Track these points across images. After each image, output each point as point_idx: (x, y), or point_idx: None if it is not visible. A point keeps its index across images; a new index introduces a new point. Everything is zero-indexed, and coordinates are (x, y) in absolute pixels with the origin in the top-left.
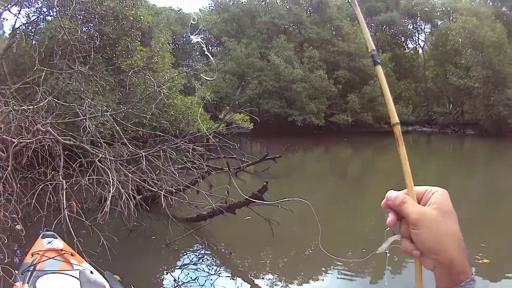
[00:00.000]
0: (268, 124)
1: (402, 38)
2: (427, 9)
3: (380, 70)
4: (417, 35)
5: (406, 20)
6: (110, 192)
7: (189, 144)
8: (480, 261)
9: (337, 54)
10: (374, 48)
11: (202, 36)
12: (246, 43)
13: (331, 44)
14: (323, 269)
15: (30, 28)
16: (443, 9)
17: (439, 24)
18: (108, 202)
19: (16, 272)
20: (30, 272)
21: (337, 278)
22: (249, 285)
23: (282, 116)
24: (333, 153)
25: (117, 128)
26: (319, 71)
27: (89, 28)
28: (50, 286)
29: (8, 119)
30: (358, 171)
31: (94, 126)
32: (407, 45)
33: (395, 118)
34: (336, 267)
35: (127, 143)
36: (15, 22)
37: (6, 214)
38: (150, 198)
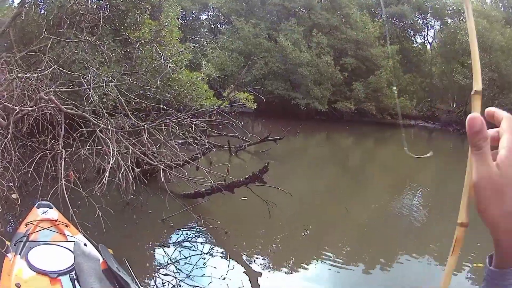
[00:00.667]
0: (271, 105)
1: (411, 32)
2: (438, 6)
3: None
4: (426, 31)
5: (416, 15)
6: (109, 163)
7: (192, 119)
8: (475, 265)
9: (345, 42)
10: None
11: (211, 13)
12: (255, 24)
13: (339, 31)
14: (317, 254)
15: None
16: (454, 8)
17: (449, 22)
18: (107, 174)
19: (9, 242)
20: (23, 243)
21: (330, 264)
22: (242, 266)
23: (286, 99)
24: (334, 140)
25: (121, 99)
26: (326, 56)
27: None
28: (42, 258)
29: (11, 87)
30: (358, 161)
31: (97, 96)
32: (415, 39)
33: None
34: (329, 254)
35: (130, 115)
36: None
37: (3, 182)
38: (149, 172)
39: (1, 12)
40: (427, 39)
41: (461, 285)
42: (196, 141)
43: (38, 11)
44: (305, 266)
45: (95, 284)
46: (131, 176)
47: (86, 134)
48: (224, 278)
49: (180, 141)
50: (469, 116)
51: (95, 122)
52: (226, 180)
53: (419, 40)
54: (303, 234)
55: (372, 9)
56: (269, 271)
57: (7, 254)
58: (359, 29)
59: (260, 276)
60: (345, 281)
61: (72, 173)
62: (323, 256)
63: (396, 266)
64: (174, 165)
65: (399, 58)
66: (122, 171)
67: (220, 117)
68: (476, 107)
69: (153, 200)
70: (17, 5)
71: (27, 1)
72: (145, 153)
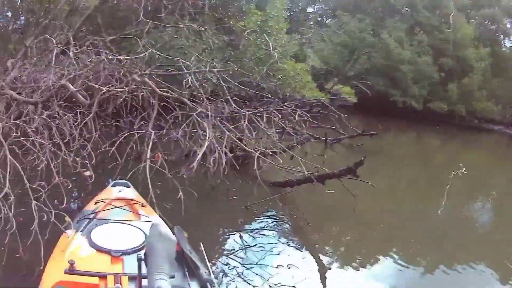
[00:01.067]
0: (369, 101)
1: (501, 35)
2: None
3: None
4: None
5: (505, 19)
6: (204, 147)
7: (296, 109)
8: None
9: (443, 42)
10: None
11: (317, 6)
12: (360, 18)
13: (438, 31)
14: (388, 252)
15: None
16: None
17: None
18: (199, 157)
19: (69, 219)
20: (88, 220)
21: (401, 264)
22: (314, 257)
23: (384, 95)
24: (424, 140)
25: (223, 84)
26: (426, 56)
27: None
28: (107, 236)
29: (98, 68)
30: (444, 162)
31: (197, 81)
32: (504, 43)
33: None
34: (400, 253)
35: (230, 101)
36: None
37: (77, 159)
38: (240, 158)
39: None
40: None
41: None
42: (294, 130)
43: None
44: (375, 263)
45: (165, 265)
46: (224, 161)
47: (180, 117)
48: (291, 268)
49: (277, 130)
50: None
51: (192, 106)
52: (319, 171)
53: (508, 45)
54: (379, 229)
55: (468, 10)
56: (338, 265)
57: (66, 231)
58: (456, 29)
59: (329, 270)
60: (418, 283)
61: (160, 155)
62: (395, 255)
63: (465, 273)
64: (269, 153)
65: (490, 61)
66: (214, 156)
67: (319, 109)
68: None
69: (240, 186)
70: None
71: None
72: (241, 139)
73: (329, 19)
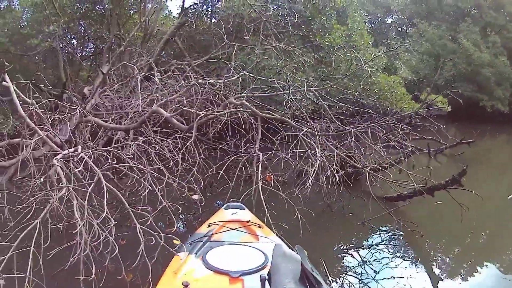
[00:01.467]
0: (460, 108)
1: None
2: None
3: None
4: None
5: None
6: (313, 166)
7: (398, 123)
8: None
9: None
10: None
11: (395, 16)
12: (436, 25)
13: (506, 30)
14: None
15: (204, 7)
16: None
17: None
18: (312, 176)
19: (178, 242)
20: (202, 243)
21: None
22: (427, 270)
23: (474, 101)
24: None
25: (323, 103)
26: (502, 57)
27: (278, 6)
28: (224, 257)
29: (190, 93)
30: None
31: (298, 101)
32: None
33: None
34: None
35: (333, 119)
36: (183, 1)
37: (182, 183)
38: (353, 175)
39: (158, 22)
40: None
41: None
42: (399, 144)
43: (206, 20)
44: (483, 272)
45: (290, 284)
46: (336, 178)
47: (285, 138)
48: (408, 281)
49: (382, 145)
50: None
51: (297, 126)
52: (427, 183)
53: None
54: (485, 239)
55: None
56: (449, 276)
57: (178, 254)
58: None
59: (442, 281)
60: None
61: (271, 176)
62: (504, 265)
63: None
64: (380, 168)
65: None
66: (326, 174)
67: (418, 120)
68: None
69: (354, 203)
70: (177, 15)
71: (189, 11)
72: (350, 156)
73: (409, 28)
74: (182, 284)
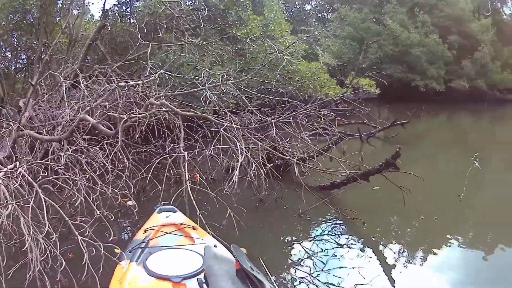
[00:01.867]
0: (391, 89)
1: (499, 4)
2: None
3: None
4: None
5: None
6: (238, 161)
7: (320, 110)
8: None
9: (446, 19)
10: None
11: (315, 2)
12: (358, 8)
13: (437, 9)
14: (452, 242)
15: (123, 8)
16: None
17: None
18: (237, 172)
19: (118, 250)
20: (140, 249)
21: (467, 253)
22: (378, 257)
23: (405, 81)
24: (456, 121)
25: (242, 96)
26: (433, 35)
27: (193, 1)
28: (164, 263)
29: (114, 96)
30: (481, 142)
31: (215, 96)
32: (503, 11)
33: None
34: (464, 241)
35: (254, 111)
36: (104, 4)
37: (115, 190)
38: (281, 167)
39: (82, 26)
40: None
41: None
42: (326, 131)
43: (126, 21)
44: (438, 253)
45: (226, 285)
46: (263, 172)
47: (208, 135)
48: (359, 271)
49: (309, 133)
50: None
51: (218, 121)
52: (360, 168)
53: (507, 12)
54: (436, 220)
55: None
56: (404, 261)
57: (120, 262)
58: (453, 5)
59: (395, 267)
60: (488, 271)
61: (197, 175)
62: (455, 243)
63: None
64: (307, 158)
65: (494, 31)
66: (253, 168)
67: (346, 105)
68: None
69: (288, 195)
70: (99, 18)
71: (110, 13)
72: (275, 147)
73: (329, 14)
74: None
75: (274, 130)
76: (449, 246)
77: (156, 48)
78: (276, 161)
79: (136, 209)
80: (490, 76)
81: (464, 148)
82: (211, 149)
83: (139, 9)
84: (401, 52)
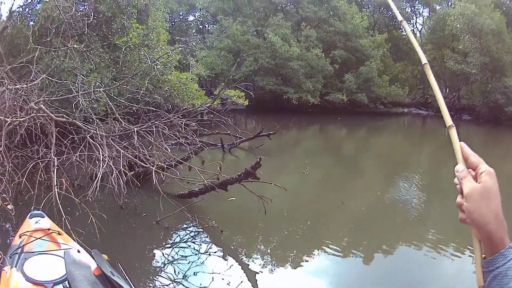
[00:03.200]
0: (263, 101)
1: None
2: None
3: (428, 68)
4: (414, 19)
5: (404, 3)
6: (101, 168)
7: (182, 119)
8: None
9: (334, 34)
10: (426, 61)
11: (198, 14)
12: (242, 21)
13: (327, 24)
14: (314, 247)
15: (27, 10)
16: None
17: (437, 9)
18: (98, 179)
19: (2, 255)
20: (17, 255)
21: (328, 256)
22: (240, 264)
23: (278, 94)
24: (327, 132)
25: (110, 104)
26: (316, 50)
27: (85, 6)
28: (37, 268)
29: (3, 99)
30: (352, 151)
31: (87, 103)
32: (403, 28)
33: (448, 121)
34: (329, 246)
35: (120, 119)
36: (12, 4)
37: None
38: (142, 174)
39: None
40: (416, 27)
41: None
42: (188, 141)
43: (26, 23)
44: (304, 260)
45: None
46: (124, 179)
47: (78, 141)
48: (223, 277)
49: (173, 142)
50: (456, 168)
51: (85, 128)
52: (219, 178)
53: (407, 29)
54: (300, 228)
55: (360, 0)
56: (268, 267)
57: (4, 268)
58: (347, 21)
59: (260, 272)
60: (345, 272)
61: (64, 180)
62: (322, 249)
63: (396, 254)
64: (166, 166)
65: (389, 47)
66: (114, 175)
67: (212, 116)
68: (429, 75)
69: (148, 202)
70: (5, 19)
71: (14, 14)
72: (137, 156)
73: (211, 26)
74: None
75: (136, 138)
76: (312, 251)
77: (44, 52)
78: (138, 169)
79: (13, 213)
80: (374, 90)
81: (330, 158)
82: (77, 155)
83: (38, 12)
84: (278, 65)
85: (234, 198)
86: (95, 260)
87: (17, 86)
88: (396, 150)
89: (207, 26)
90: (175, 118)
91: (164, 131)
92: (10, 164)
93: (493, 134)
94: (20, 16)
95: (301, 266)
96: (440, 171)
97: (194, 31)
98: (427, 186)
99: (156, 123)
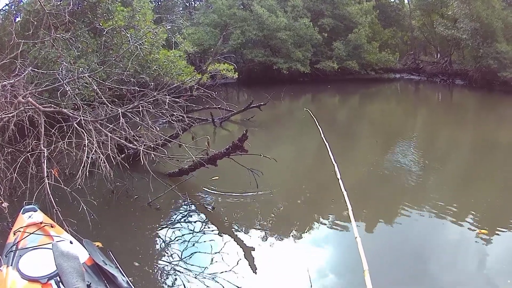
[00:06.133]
0: (254, 74)
1: None
2: None
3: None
4: None
5: None
6: (90, 154)
7: (167, 97)
8: (478, 231)
9: (321, 3)
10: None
11: None
12: None
13: None
14: (310, 218)
15: (12, 7)
16: None
17: None
18: (87, 165)
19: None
20: (12, 253)
21: (325, 227)
22: (235, 240)
23: (267, 65)
24: (319, 101)
25: (96, 88)
26: (303, 19)
27: None
28: (32, 264)
29: None
30: (345, 119)
31: (74, 90)
32: None
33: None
34: (323, 216)
35: (107, 102)
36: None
37: None
38: (131, 156)
39: None
40: None
41: (467, 253)
42: (175, 118)
43: (13, 20)
44: (300, 231)
45: (79, 284)
46: (113, 163)
47: (66, 129)
48: (220, 254)
49: (163, 121)
50: None
51: (73, 115)
52: (208, 153)
53: None
54: (294, 200)
55: None
56: (264, 241)
57: (0, 268)
58: None
59: (256, 248)
60: (345, 244)
61: (56, 170)
62: (317, 220)
63: (397, 223)
64: (154, 146)
65: (377, 13)
66: (102, 160)
67: (201, 91)
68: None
69: (139, 184)
70: None
71: (1, 12)
72: (126, 137)
73: (198, 2)
74: None
75: (123, 120)
76: (308, 223)
77: (30, 46)
78: (128, 151)
79: (6, 211)
80: (364, 57)
81: (323, 126)
82: (65, 143)
83: (24, 7)
84: (266, 36)
85: (217, 178)
86: (86, 250)
87: (4, 82)
88: (390, 116)
89: (193, 2)
90: (160, 96)
91: (149, 110)
92: (3, 162)
93: (488, 99)
94: (6, 14)
95: (295, 238)
96: (436, 135)
97: (180, 8)
98: (422, 152)
99: (141, 103)
